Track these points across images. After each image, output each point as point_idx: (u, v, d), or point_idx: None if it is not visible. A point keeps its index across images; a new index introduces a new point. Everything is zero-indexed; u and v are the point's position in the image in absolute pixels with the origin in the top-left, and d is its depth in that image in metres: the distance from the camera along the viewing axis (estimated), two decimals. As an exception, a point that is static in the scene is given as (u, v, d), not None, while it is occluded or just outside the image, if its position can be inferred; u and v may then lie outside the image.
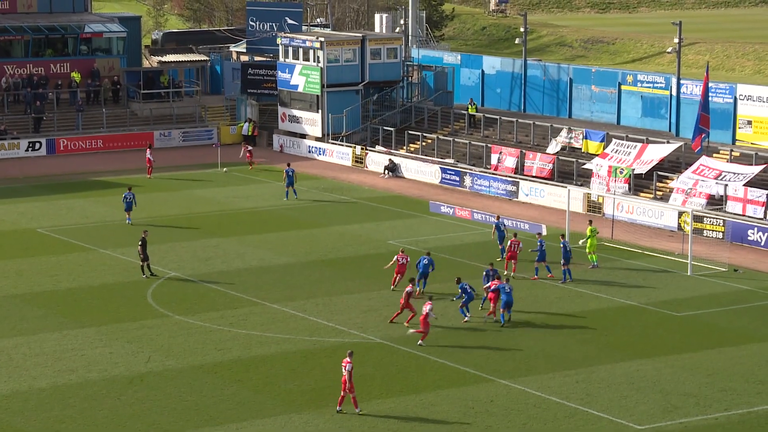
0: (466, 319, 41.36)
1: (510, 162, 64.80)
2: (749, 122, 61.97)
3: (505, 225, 50.85)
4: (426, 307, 38.82)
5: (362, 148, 72.04)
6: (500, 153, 65.55)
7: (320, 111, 73.89)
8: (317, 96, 73.91)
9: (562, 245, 46.58)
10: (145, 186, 61.45)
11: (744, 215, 53.72)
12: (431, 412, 33.50)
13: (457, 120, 73.24)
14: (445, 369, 37.03)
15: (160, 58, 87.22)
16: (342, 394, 33.32)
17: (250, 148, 70.66)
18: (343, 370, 33.14)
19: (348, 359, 33.25)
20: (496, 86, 77.00)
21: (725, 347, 38.93)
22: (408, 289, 40.97)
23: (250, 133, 77.96)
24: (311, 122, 74.79)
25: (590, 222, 49.63)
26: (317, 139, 74.72)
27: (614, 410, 33.54)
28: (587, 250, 48.23)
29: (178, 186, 65.47)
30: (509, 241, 47.68)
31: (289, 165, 63.32)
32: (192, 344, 39.36)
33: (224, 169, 69.11)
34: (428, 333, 38.98)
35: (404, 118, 75.07)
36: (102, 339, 39.94)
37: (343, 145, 73.09)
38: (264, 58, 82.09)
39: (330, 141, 73.83)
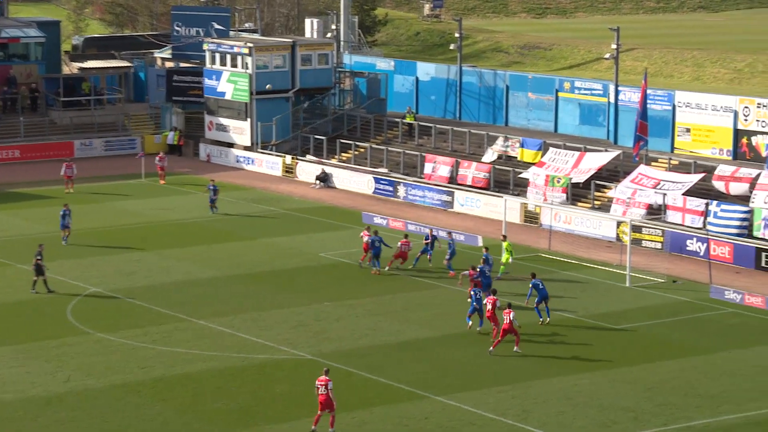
0: (471, 324, 42.08)
1: (444, 171, 65.08)
2: (688, 130, 62.80)
3: (436, 237, 51.51)
4: (508, 315, 39.23)
5: (292, 158, 71.93)
6: (434, 162, 65.81)
7: (249, 119, 73.71)
8: (245, 104, 73.73)
9: (484, 257, 46.88)
10: (65, 199, 60.82)
11: (683, 225, 54.40)
12: (364, 431, 33.49)
13: (390, 128, 73.42)
14: (377, 386, 37.05)
15: (80, 65, 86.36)
16: (319, 413, 33.14)
17: (164, 157, 69.42)
18: (321, 389, 32.92)
19: (326, 377, 33.13)
20: (430, 93, 77.32)
21: (664, 360, 39.35)
22: (492, 301, 40.71)
23: (175, 143, 77.60)
24: (239, 131, 74.57)
25: (504, 237, 50.20)
26: (246, 148, 74.48)
27: (551, 426, 33.77)
28: (502, 262, 48.77)
29: (100, 198, 64.91)
30: (399, 242, 49.95)
31: (212, 181, 62.33)
32: (114, 362, 39.01)
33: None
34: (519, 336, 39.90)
35: (336, 126, 75.06)
36: (18, 358, 39.45)
37: (272, 155, 72.93)
38: (190, 65, 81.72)
39: (259, 150, 73.63)
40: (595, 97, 68.27)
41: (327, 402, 32.94)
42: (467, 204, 62.45)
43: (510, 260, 49.03)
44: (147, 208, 62.45)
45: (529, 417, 34.45)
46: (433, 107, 76.95)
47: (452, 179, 64.62)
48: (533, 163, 63.10)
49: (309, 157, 72.04)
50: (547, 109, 70.83)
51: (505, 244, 49.35)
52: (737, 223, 53.04)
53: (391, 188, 66.32)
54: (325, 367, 34.22)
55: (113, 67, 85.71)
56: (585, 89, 69.02)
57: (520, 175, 62.44)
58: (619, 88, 66.53)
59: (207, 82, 76.18)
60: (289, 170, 71.76)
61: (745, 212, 53.15)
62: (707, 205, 54.07)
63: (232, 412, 34.86)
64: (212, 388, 36.78)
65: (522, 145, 64.84)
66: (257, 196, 66.01)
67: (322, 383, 33.03)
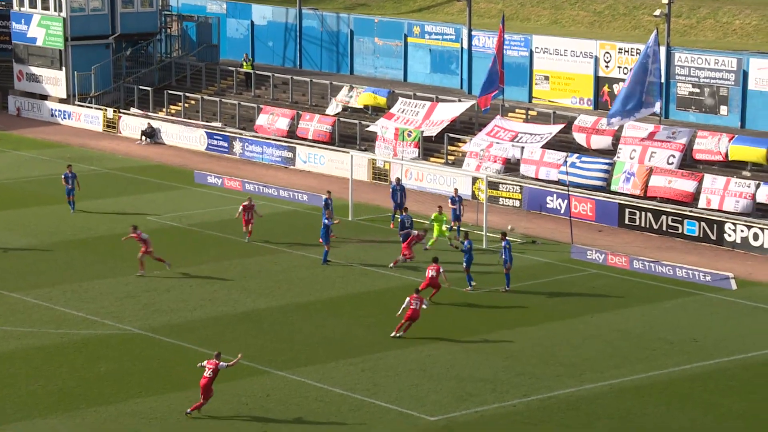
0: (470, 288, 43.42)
1: (282, 123, 64.94)
2: (546, 78, 63.84)
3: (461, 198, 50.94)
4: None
5: (115, 111, 71.11)
6: (271, 114, 65.61)
7: (64, 68, 72.71)
8: (60, 51, 72.69)
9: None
10: None
11: (537, 178, 55.40)
12: (199, 412, 33.41)
13: (224, 78, 72.99)
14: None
15: None
16: (202, 400, 33.03)
17: None
18: (207, 372, 32.74)
19: (216, 360, 32.93)
20: (267, 39, 77.04)
21: (523, 327, 40.13)
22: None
23: (-20, 95, 76.17)
24: (54, 81, 73.48)
25: (440, 209, 49.68)
26: (61, 100, 73.50)
27: (404, 401, 34.19)
28: (446, 237, 48.79)
29: None
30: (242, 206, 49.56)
31: (69, 168, 54.22)
32: None
33: None
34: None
35: (163, 76, 74.39)
36: None
37: (92, 108, 72.00)
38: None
39: (76, 103, 72.68)
40: (447, 42, 68.88)
41: (206, 387, 32.84)
42: (310, 161, 62.53)
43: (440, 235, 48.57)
44: (-50, 169, 61.13)
45: (380, 391, 34.81)
46: (271, 54, 76.70)
47: (291, 133, 64.59)
48: (382, 109, 63.35)
49: (133, 110, 71.30)
50: (396, 56, 71.21)
51: (435, 215, 48.93)
52: (598, 175, 54.30)
53: (225, 144, 66.00)
54: (216, 351, 33.92)
55: None
56: (436, 34, 69.58)
57: (367, 129, 62.75)
58: (473, 33, 67.22)
59: (15, 26, 74.81)
60: (111, 125, 70.88)
61: (606, 164, 54.42)
62: (566, 158, 55.13)
63: (51, 395, 34.43)
64: (28, 368, 36.27)
65: (369, 96, 65.10)
66: (75, 154, 65.05)
67: (210, 366, 32.84)
